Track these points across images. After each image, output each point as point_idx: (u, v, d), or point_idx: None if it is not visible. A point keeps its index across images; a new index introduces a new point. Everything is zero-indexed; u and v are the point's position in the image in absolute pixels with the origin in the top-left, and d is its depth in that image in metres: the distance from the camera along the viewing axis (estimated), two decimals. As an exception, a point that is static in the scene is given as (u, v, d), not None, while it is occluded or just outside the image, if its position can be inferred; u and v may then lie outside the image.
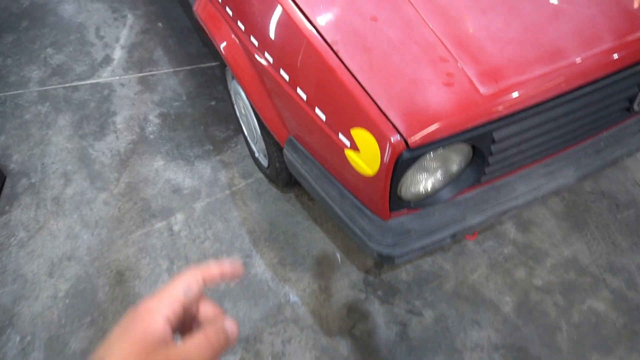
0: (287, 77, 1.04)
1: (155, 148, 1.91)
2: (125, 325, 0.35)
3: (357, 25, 0.95)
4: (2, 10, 2.60)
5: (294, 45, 1.00)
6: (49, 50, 2.34)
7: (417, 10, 0.96)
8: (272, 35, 1.06)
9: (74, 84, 2.18)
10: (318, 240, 1.64)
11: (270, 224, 1.67)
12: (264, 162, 1.67)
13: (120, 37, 2.39)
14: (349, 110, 0.91)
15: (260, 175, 1.81)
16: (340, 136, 0.95)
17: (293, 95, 1.04)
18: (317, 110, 0.99)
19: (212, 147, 1.90)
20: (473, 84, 0.89)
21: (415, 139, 0.84)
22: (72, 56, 2.31)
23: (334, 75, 0.92)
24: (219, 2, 1.24)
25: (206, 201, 1.74)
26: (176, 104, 2.07)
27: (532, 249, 1.62)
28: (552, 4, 1.01)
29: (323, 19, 0.96)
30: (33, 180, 1.84)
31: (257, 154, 1.74)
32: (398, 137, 0.85)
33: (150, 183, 1.80)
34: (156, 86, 2.14)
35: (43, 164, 1.89)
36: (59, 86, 2.17)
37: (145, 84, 2.16)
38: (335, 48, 0.93)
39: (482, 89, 0.88)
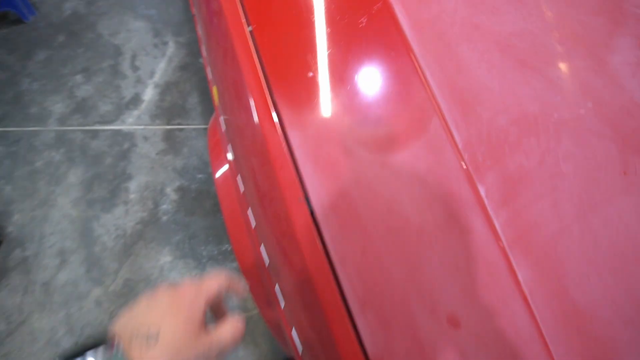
0: (299, 346, 0.64)
1: (165, 235, 1.58)
2: (169, 303, 0.42)
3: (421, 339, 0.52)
4: (43, 17, 2.35)
5: (312, 318, 0.59)
6: (78, 78, 2.07)
7: (538, 327, 0.51)
8: (281, 264, 0.65)
9: (95, 127, 1.89)
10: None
11: (280, 379, 1.31)
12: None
13: (156, 71, 2.06)
14: None
15: (281, 302, 1.44)
16: None
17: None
18: None
19: (229, 248, 1.55)
20: None
21: None
22: (100, 89, 2.02)
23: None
24: (233, 161, 0.84)
25: (210, 328, 1.40)
26: (200, 176, 1.72)
27: None
28: None
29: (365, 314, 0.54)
30: (27, 254, 1.59)
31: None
32: None
33: (151, 285, 1.49)
34: (182, 147, 1.80)
35: (42, 233, 1.63)
36: (78, 128, 1.90)
37: (171, 141, 1.82)
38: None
39: None
